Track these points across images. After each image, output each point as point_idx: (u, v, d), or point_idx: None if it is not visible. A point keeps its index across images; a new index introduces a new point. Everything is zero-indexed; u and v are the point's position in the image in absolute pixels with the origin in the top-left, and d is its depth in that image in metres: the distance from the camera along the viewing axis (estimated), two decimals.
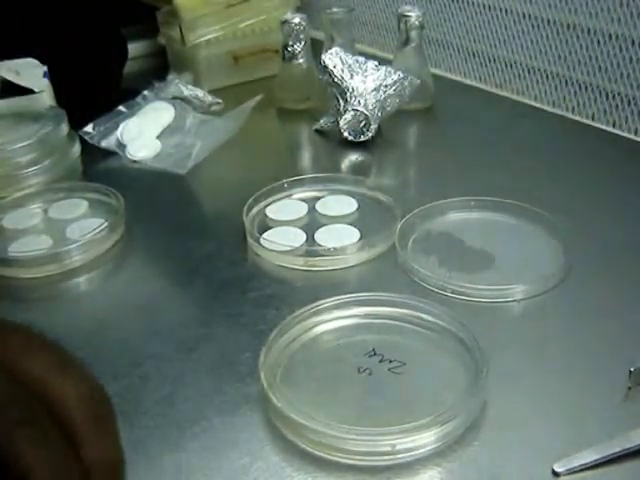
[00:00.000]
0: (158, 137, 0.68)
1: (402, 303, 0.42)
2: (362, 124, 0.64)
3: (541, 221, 0.50)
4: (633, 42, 0.64)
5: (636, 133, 0.66)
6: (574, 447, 0.33)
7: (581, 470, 0.32)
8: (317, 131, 0.69)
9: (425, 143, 0.69)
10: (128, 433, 0.35)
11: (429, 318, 0.41)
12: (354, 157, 0.64)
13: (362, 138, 0.65)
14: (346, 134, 0.65)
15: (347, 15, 0.75)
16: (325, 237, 0.50)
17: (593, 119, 0.69)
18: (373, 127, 0.65)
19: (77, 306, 0.47)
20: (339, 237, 0.50)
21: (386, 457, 0.34)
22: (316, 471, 0.33)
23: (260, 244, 0.49)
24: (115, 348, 0.42)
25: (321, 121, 0.69)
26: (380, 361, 0.39)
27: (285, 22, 0.73)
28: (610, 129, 0.67)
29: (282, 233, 0.51)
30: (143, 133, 0.67)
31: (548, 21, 0.71)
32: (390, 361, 0.39)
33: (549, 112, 0.72)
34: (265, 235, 0.50)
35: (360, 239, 0.49)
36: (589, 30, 0.67)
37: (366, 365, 0.39)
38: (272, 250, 0.49)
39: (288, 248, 0.49)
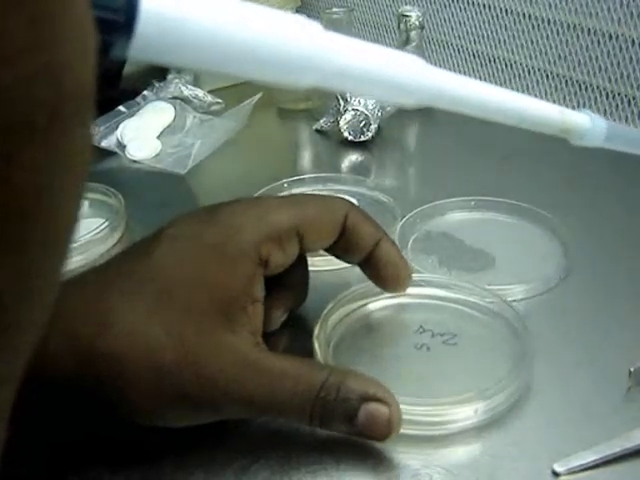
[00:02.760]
0: (158, 137, 0.68)
1: (443, 284, 0.43)
2: (362, 124, 0.64)
3: (541, 221, 0.50)
4: (633, 42, 0.64)
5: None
6: (574, 447, 0.33)
7: (581, 470, 0.32)
8: (317, 131, 0.69)
9: (425, 143, 0.69)
10: (129, 433, 0.35)
11: (471, 299, 0.42)
12: (354, 157, 0.64)
13: (362, 138, 0.65)
14: (346, 134, 0.65)
15: (347, 15, 0.75)
16: None
17: None
18: (373, 127, 0.65)
19: None
20: None
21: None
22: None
23: None
24: None
25: (321, 121, 0.69)
26: (432, 336, 0.40)
27: None
28: None
29: None
30: (143, 133, 0.67)
31: (548, 21, 0.71)
32: (442, 334, 0.40)
33: None
34: None
35: None
36: (589, 30, 0.67)
37: (422, 341, 0.40)
38: None
39: None
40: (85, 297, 0.32)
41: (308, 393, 0.31)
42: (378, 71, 0.28)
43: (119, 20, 0.21)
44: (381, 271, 0.39)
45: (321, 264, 0.48)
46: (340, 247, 0.38)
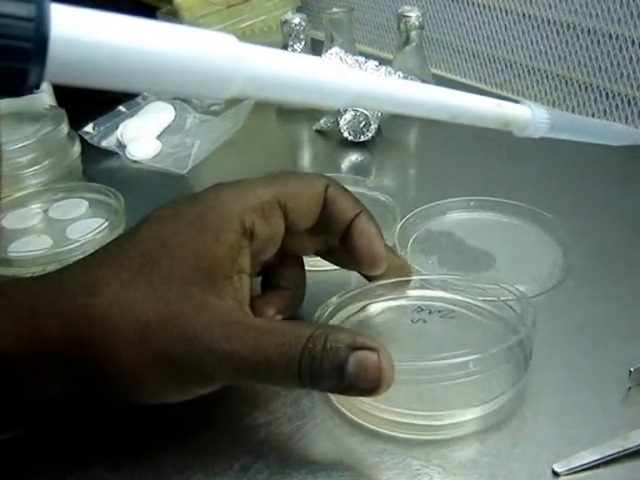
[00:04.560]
0: (158, 137, 0.68)
1: (445, 286, 0.43)
2: (362, 124, 0.65)
3: (541, 221, 0.50)
4: (633, 42, 0.64)
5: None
6: (574, 447, 0.33)
7: (581, 470, 0.32)
8: (317, 131, 0.69)
9: (425, 143, 0.69)
10: (128, 433, 0.36)
11: (479, 304, 0.42)
12: (354, 157, 0.64)
13: (362, 138, 0.65)
14: (346, 134, 0.65)
15: (347, 15, 0.75)
16: None
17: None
18: (373, 127, 0.65)
19: None
20: None
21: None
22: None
23: None
24: None
25: (321, 121, 0.69)
26: (430, 313, 0.42)
27: (285, 22, 0.73)
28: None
29: None
30: (143, 133, 0.67)
31: (548, 21, 0.71)
32: (439, 311, 0.41)
33: None
34: None
35: None
36: (589, 30, 0.67)
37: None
38: None
39: None
40: (74, 276, 0.33)
41: (296, 345, 0.31)
42: (299, 75, 0.28)
43: (30, 48, 0.21)
44: (355, 243, 0.39)
45: (321, 264, 0.48)
46: (322, 222, 0.39)
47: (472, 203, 0.53)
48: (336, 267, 0.47)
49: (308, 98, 0.29)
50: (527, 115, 0.34)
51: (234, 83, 0.26)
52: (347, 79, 0.29)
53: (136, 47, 0.24)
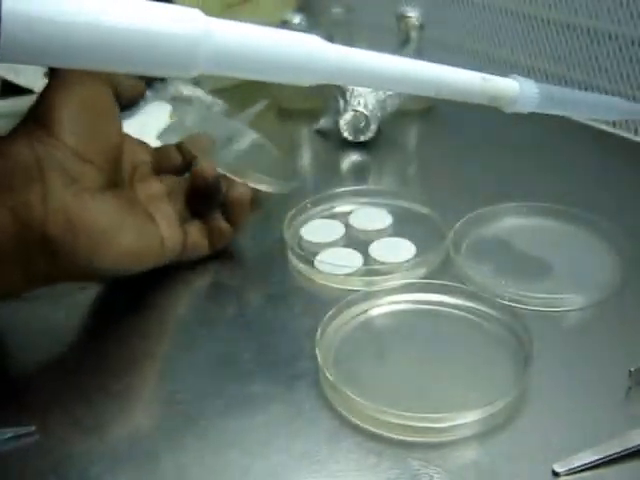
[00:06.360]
0: (159, 137, 0.67)
1: (454, 289, 0.43)
2: (362, 124, 0.64)
3: (596, 228, 0.49)
4: (633, 42, 0.64)
5: (636, 133, 0.66)
6: (574, 447, 0.33)
7: (581, 470, 0.32)
8: (317, 131, 0.69)
9: (425, 144, 0.69)
10: (128, 433, 0.35)
11: (481, 307, 0.42)
12: (354, 157, 0.64)
13: (362, 138, 0.65)
14: (346, 134, 0.65)
15: (347, 15, 0.75)
16: (382, 253, 0.48)
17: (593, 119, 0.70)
18: (373, 127, 0.65)
19: (76, 305, 0.47)
20: (396, 251, 0.48)
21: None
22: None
23: (315, 267, 0.46)
24: (115, 348, 0.42)
25: (321, 121, 0.69)
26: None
27: (285, 22, 0.73)
28: (610, 129, 0.67)
29: (335, 254, 0.48)
30: (143, 133, 0.67)
31: (548, 21, 0.71)
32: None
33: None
34: (319, 257, 0.47)
35: (417, 251, 0.48)
36: (589, 30, 0.67)
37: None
38: (330, 273, 0.46)
39: (349, 270, 0.46)
40: None
41: None
42: (271, 50, 0.26)
43: None
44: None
45: (383, 282, 0.46)
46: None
47: (524, 209, 0.51)
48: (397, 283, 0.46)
49: (281, 75, 0.27)
50: (514, 89, 0.32)
51: (198, 60, 0.24)
52: (323, 53, 0.27)
53: (91, 21, 0.22)
